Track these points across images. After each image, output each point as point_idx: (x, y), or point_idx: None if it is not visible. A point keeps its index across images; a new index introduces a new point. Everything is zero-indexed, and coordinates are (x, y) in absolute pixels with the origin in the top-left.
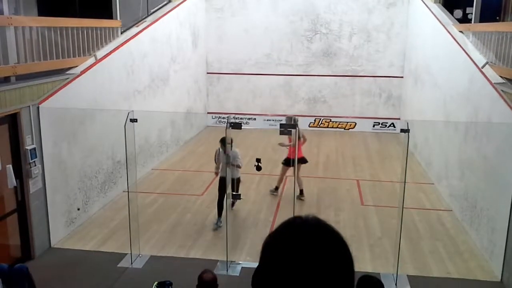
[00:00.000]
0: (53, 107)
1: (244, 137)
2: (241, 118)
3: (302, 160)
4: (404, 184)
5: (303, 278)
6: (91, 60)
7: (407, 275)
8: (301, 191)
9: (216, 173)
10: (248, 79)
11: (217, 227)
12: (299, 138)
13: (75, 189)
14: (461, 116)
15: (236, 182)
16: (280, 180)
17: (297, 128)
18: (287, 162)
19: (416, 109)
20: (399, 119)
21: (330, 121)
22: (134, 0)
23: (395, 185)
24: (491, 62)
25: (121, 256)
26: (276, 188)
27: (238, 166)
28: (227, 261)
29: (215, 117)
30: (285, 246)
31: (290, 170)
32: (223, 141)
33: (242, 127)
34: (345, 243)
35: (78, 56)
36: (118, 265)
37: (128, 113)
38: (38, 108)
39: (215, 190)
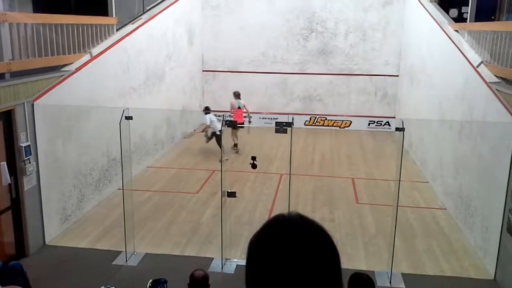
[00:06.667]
0: (48, 104)
1: (239, 135)
2: None
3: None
4: (399, 183)
5: (289, 276)
6: (86, 57)
7: (402, 273)
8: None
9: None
10: (244, 77)
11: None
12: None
13: (69, 187)
14: (456, 115)
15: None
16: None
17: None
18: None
19: (411, 107)
20: (394, 117)
21: (326, 119)
22: None
23: (390, 184)
24: (486, 62)
25: (116, 253)
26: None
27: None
28: (222, 258)
29: None
30: (270, 245)
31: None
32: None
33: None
34: (330, 239)
35: (73, 53)
36: (113, 263)
37: (124, 110)
38: (32, 105)
39: (210, 188)
